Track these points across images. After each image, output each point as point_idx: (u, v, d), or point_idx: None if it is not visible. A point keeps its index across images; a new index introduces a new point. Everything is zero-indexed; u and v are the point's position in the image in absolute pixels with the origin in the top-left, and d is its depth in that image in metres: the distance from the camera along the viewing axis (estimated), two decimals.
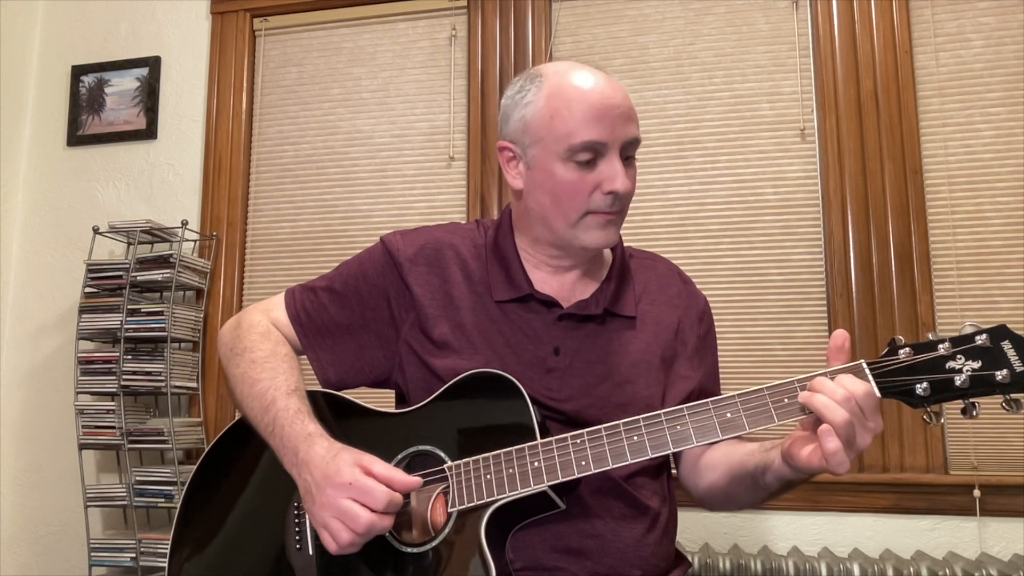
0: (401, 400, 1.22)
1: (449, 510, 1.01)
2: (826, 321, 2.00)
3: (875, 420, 0.89)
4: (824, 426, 0.87)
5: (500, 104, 1.19)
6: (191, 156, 2.48)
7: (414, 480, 0.98)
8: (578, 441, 1.00)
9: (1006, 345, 0.86)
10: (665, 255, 1.33)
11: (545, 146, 1.10)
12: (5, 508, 2.44)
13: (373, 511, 0.93)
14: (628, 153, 1.12)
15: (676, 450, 0.98)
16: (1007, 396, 0.87)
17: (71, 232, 2.51)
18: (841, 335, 0.93)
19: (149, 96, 2.53)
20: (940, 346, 0.89)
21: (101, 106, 2.56)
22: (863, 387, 0.88)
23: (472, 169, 2.26)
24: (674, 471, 1.24)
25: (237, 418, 1.18)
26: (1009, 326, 0.88)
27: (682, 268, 1.31)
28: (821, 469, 0.89)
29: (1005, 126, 1.96)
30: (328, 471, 0.96)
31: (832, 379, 0.90)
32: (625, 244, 1.26)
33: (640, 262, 1.27)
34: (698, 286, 1.30)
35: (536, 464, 1.00)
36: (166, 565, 1.14)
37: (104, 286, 2.23)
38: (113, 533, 2.31)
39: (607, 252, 1.25)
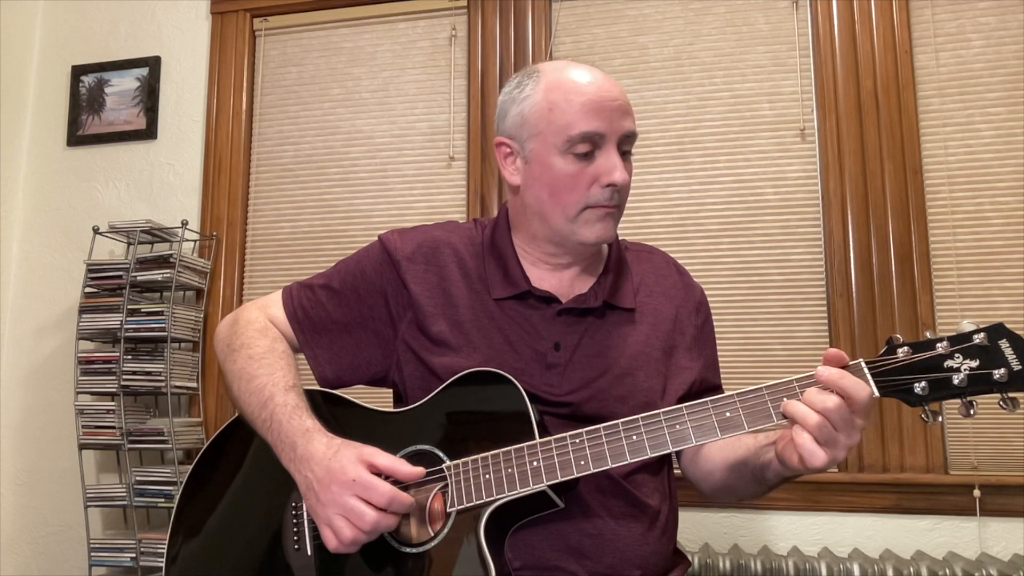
0: (398, 399, 1.23)
1: (448, 510, 1.01)
2: (826, 321, 2.00)
3: (858, 415, 0.89)
4: (796, 425, 0.89)
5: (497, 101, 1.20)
6: (191, 156, 2.48)
7: (418, 471, 0.99)
8: (577, 441, 0.99)
9: (1003, 344, 0.86)
10: (665, 251, 1.33)
11: (543, 139, 1.11)
12: (5, 508, 2.44)
13: (377, 508, 0.94)
14: (625, 148, 1.13)
15: (675, 449, 0.98)
16: (1004, 395, 0.87)
17: (71, 232, 2.52)
18: (836, 358, 0.91)
19: (149, 96, 2.53)
20: (938, 345, 0.89)
21: (101, 106, 2.56)
22: (844, 396, 0.88)
23: (472, 169, 2.26)
24: (677, 470, 1.24)
25: (234, 417, 1.18)
26: (1007, 325, 0.88)
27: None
28: (809, 471, 0.91)
29: (1005, 126, 1.96)
30: (331, 467, 0.96)
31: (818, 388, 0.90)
32: (619, 237, 1.26)
33: (636, 254, 1.27)
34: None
35: (535, 464, 0.99)
36: (163, 565, 1.14)
37: (104, 286, 2.23)
38: (113, 533, 2.31)
39: (603, 246, 1.25)
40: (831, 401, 0.87)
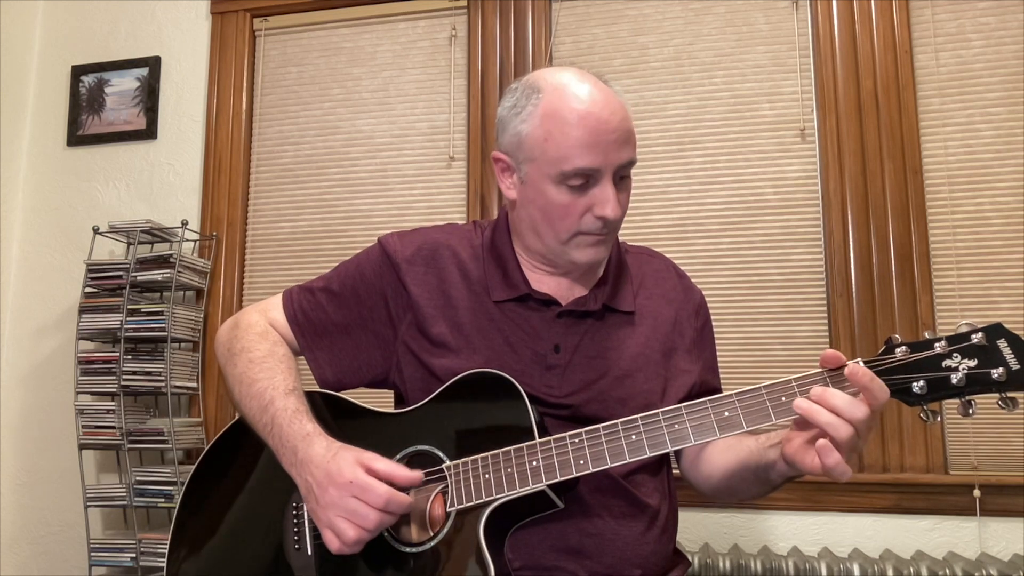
0: (399, 401, 1.23)
1: (448, 509, 1.02)
2: (826, 321, 2.00)
3: (875, 420, 0.89)
4: (823, 441, 0.87)
5: (497, 110, 1.19)
6: (191, 156, 2.48)
7: (415, 475, 0.99)
8: (576, 440, 1.00)
9: (1002, 343, 0.86)
10: (665, 255, 1.33)
11: (538, 166, 1.09)
12: (5, 508, 2.44)
13: (375, 508, 0.94)
14: (623, 174, 1.11)
15: (674, 449, 0.98)
16: (1003, 394, 0.87)
17: (71, 232, 2.52)
18: (834, 359, 0.91)
19: (149, 96, 2.53)
20: (936, 345, 0.89)
21: (101, 106, 2.56)
22: (869, 396, 0.87)
23: (472, 169, 2.26)
24: (676, 470, 1.24)
25: (235, 419, 1.19)
26: (1006, 325, 0.88)
27: (682, 268, 1.31)
28: (825, 474, 0.90)
29: (1005, 126, 1.96)
30: (330, 470, 0.97)
31: (830, 385, 0.90)
32: (619, 239, 1.26)
33: (636, 257, 1.28)
34: (698, 286, 1.31)
35: (535, 463, 1.00)
36: (164, 566, 1.14)
37: (104, 286, 2.23)
38: (113, 533, 2.31)
39: None
40: (861, 411, 0.86)
